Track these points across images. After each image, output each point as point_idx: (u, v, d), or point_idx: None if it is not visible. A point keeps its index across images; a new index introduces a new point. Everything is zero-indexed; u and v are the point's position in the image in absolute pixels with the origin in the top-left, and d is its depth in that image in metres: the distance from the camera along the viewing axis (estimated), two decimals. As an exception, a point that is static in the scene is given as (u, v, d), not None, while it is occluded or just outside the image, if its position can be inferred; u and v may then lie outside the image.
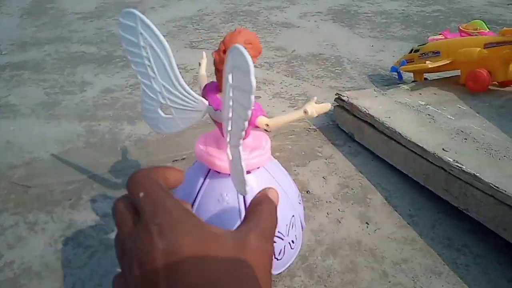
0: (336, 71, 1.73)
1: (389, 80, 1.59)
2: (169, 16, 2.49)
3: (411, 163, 1.00)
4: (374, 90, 1.29)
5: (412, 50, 1.45)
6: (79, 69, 1.72)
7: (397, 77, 1.52)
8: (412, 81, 1.42)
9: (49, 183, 1.03)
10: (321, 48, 1.97)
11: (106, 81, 1.61)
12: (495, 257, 0.83)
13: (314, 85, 1.59)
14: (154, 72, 0.59)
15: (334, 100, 1.28)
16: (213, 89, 0.64)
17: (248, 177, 0.55)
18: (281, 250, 0.71)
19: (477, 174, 0.82)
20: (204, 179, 0.69)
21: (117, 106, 1.42)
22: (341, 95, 1.24)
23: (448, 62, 1.25)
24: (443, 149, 0.93)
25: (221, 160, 0.64)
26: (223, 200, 0.67)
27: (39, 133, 1.26)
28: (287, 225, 0.71)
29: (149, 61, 0.58)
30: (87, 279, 0.77)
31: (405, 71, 1.41)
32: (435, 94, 1.26)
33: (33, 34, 2.15)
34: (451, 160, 0.88)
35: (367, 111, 1.13)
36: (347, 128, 1.24)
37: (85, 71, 1.70)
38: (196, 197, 0.69)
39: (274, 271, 0.74)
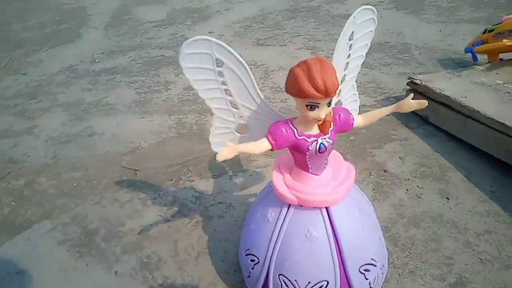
0: (404, 57, 1.74)
1: (460, 64, 1.58)
2: (234, 18, 2.62)
3: (491, 141, 1.01)
4: (448, 72, 1.31)
5: (486, 30, 1.43)
6: (161, 70, 1.91)
7: (471, 59, 1.50)
8: (487, 62, 1.40)
9: (152, 167, 1.19)
10: (386, 36, 1.99)
11: (186, 80, 1.78)
12: None
13: (382, 72, 1.62)
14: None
15: (407, 84, 1.31)
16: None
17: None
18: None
19: None
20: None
21: (200, 101, 1.56)
22: (413, 78, 1.27)
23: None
24: (525, 124, 0.94)
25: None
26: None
27: (137, 126, 1.44)
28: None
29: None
30: (196, 243, 0.91)
31: (480, 52, 1.40)
32: (511, 73, 1.24)
33: (117, 43, 2.40)
34: (535, 135, 0.89)
35: (442, 92, 1.15)
36: (421, 111, 1.27)
37: (167, 72, 1.88)
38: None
39: None
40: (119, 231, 0.97)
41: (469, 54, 1.50)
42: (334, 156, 0.69)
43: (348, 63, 0.66)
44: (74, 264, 0.90)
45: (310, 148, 0.60)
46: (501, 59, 1.42)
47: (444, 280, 0.77)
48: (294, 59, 1.87)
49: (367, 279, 0.67)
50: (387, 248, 0.79)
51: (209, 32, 2.39)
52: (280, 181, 0.65)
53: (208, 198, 1.04)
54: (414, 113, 1.30)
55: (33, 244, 0.96)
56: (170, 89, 1.71)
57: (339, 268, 0.64)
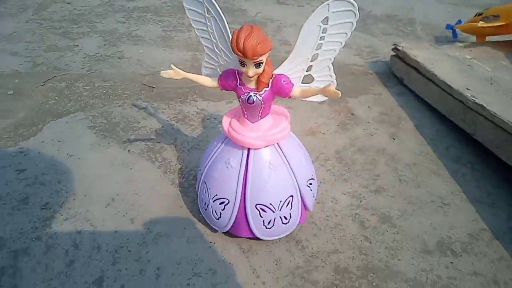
0: (406, 30, 1.91)
1: (452, 42, 1.75)
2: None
3: (441, 100, 1.23)
4: (430, 44, 1.50)
5: (476, 14, 1.59)
6: (185, 15, 2.14)
7: (452, 35, 1.66)
8: (473, 43, 1.57)
9: (166, 87, 1.46)
10: (398, 10, 2.14)
11: (208, 24, 2.02)
12: (490, 173, 1.06)
13: (381, 40, 1.81)
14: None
15: (392, 50, 1.51)
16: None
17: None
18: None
19: (484, 105, 1.04)
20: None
21: (216, 43, 1.81)
22: (397, 45, 1.47)
23: (501, 24, 1.40)
24: (467, 88, 1.15)
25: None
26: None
27: (159, 56, 1.70)
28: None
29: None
30: (190, 141, 1.18)
31: (459, 28, 1.57)
32: (484, 51, 1.42)
33: (154, -15, 2.63)
34: (469, 95, 1.10)
35: (415, 58, 1.36)
36: (399, 73, 1.48)
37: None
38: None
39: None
40: (134, 126, 1.26)
41: (465, 34, 1.66)
42: (279, 113, 0.81)
43: (321, 44, 0.72)
44: (99, 141, 1.19)
45: (242, 97, 0.73)
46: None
47: (366, 188, 1.02)
48: (305, 18, 2.07)
49: (311, 190, 0.86)
50: (333, 165, 1.05)
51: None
52: (233, 130, 0.78)
53: (206, 114, 1.31)
54: (393, 75, 1.51)
55: (70, 125, 1.26)
56: (191, 31, 1.95)
57: (240, 195, 0.79)
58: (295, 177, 0.81)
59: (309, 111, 1.32)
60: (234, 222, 0.84)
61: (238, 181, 0.79)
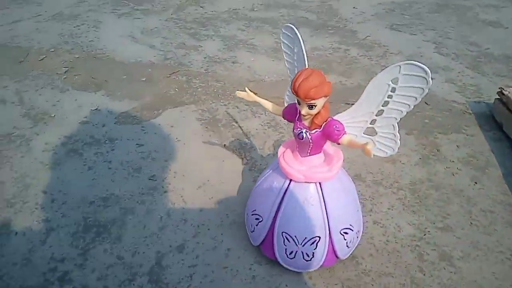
0: (520, 75, 1.80)
1: None
2: (383, 0, 2.82)
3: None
4: (541, 93, 1.42)
5: None
6: (300, 30, 2.30)
7: None
8: None
9: (266, 94, 1.63)
10: (517, 51, 2.02)
11: (315, 42, 2.15)
12: None
13: (490, 81, 1.75)
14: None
15: (497, 93, 1.47)
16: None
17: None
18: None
19: None
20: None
21: (321, 59, 1.93)
22: (503, 88, 1.42)
23: None
24: None
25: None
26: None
27: (267, 66, 1.89)
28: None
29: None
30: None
31: None
32: None
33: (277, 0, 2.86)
34: None
35: (519, 105, 1.31)
36: (499, 118, 1.43)
37: (304, 32, 2.27)
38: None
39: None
40: (233, 124, 1.46)
41: None
42: (332, 152, 0.86)
43: (388, 102, 0.75)
44: (202, 133, 1.41)
45: (295, 131, 0.80)
46: None
47: (433, 223, 1.05)
48: (416, 48, 2.07)
49: (345, 239, 0.88)
50: (405, 194, 1.10)
51: (353, 7, 2.67)
52: (283, 158, 0.85)
53: (296, 125, 1.45)
54: (493, 118, 1.47)
55: (183, 115, 1.51)
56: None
57: (327, 228, 0.85)
58: (328, 221, 0.84)
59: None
60: (264, 241, 0.91)
61: (274, 204, 0.86)
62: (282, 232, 0.86)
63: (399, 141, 0.79)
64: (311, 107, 0.72)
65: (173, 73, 1.83)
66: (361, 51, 2.03)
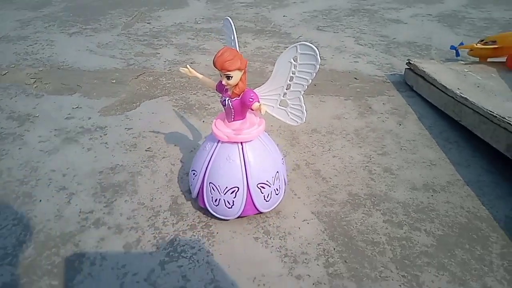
0: (422, 53, 2.31)
1: (458, 61, 2.12)
2: (306, 9, 3.30)
3: (438, 98, 1.61)
4: (436, 60, 1.89)
5: (480, 40, 1.97)
6: (243, 36, 2.64)
7: (455, 55, 2.03)
8: (476, 62, 1.93)
9: (229, 83, 1.92)
10: (417, 39, 2.55)
11: (256, 43, 2.50)
12: (470, 147, 1.41)
13: (399, 60, 2.21)
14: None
15: (406, 64, 1.91)
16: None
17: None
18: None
19: (468, 98, 1.41)
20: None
21: (265, 56, 2.28)
22: (410, 60, 1.87)
23: (495, 46, 1.77)
24: (458, 88, 1.53)
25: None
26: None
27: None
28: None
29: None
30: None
31: (460, 48, 1.95)
32: (481, 68, 1.80)
33: (214, 13, 3.19)
34: (458, 92, 1.48)
35: (423, 69, 1.75)
36: (410, 82, 1.87)
37: (246, 37, 2.61)
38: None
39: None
40: (206, 106, 1.71)
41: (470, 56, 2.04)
42: (255, 119, 1.02)
43: (293, 77, 0.91)
44: (182, 114, 1.65)
45: (220, 100, 0.97)
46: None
47: (375, 152, 1.40)
48: (340, 42, 2.51)
49: (262, 193, 1.03)
50: (352, 137, 1.44)
51: (283, 16, 3.09)
52: (214, 124, 1.02)
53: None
54: (406, 83, 1.90)
55: (159, 104, 1.74)
56: (246, 47, 2.44)
57: (245, 181, 1.00)
58: (246, 175, 1.00)
59: (338, 104, 1.73)
60: (198, 192, 1.06)
61: (205, 160, 1.01)
62: (209, 183, 1.02)
63: (305, 112, 0.95)
64: (228, 77, 0.87)
65: (140, 75, 2.04)
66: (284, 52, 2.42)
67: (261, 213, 1.08)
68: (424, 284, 0.92)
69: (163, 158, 1.37)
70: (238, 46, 1.01)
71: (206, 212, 1.09)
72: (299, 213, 1.13)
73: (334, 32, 2.70)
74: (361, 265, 0.97)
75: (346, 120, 1.61)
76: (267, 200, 1.05)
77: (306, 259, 0.98)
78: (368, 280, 0.93)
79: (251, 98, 0.91)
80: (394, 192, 1.21)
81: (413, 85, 1.83)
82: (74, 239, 1.04)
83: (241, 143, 1.00)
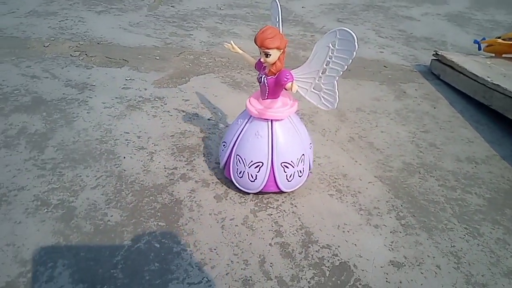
0: (440, 48, 2.48)
1: (478, 55, 2.30)
2: (322, 2, 3.43)
3: (468, 86, 1.77)
4: (460, 53, 2.05)
5: (497, 37, 2.15)
6: (268, 23, 2.75)
7: (477, 48, 2.20)
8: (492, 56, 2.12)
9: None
10: (433, 35, 2.72)
11: (285, 30, 2.61)
12: (500, 128, 1.58)
13: (421, 52, 2.38)
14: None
15: (432, 55, 2.07)
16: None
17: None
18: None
19: (499, 84, 1.58)
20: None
21: (295, 42, 2.39)
22: (437, 51, 2.03)
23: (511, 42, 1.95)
24: (488, 76, 1.69)
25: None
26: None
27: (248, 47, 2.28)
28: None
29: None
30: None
31: (483, 43, 2.13)
32: (501, 61, 1.97)
33: (234, 1, 3.28)
34: (489, 80, 1.64)
35: (451, 59, 1.91)
36: (436, 71, 2.03)
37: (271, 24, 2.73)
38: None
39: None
40: (252, 84, 1.82)
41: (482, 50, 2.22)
42: (289, 100, 1.04)
43: (329, 62, 0.92)
44: (232, 90, 1.75)
45: (257, 77, 1.00)
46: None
47: (417, 129, 1.55)
48: (362, 34, 2.66)
49: (285, 172, 1.06)
50: (394, 117, 1.58)
51: (302, 7, 3.21)
52: (249, 100, 1.06)
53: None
54: (432, 73, 2.06)
55: (208, 80, 1.83)
56: (275, 33, 2.55)
57: (270, 157, 1.03)
58: (271, 152, 1.03)
59: (374, 88, 1.87)
60: (225, 163, 1.10)
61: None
62: (237, 155, 1.07)
63: (337, 97, 0.97)
64: (267, 55, 0.90)
65: (180, 53, 2.12)
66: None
67: (282, 192, 1.11)
68: (484, 235, 1.07)
69: (226, 127, 1.48)
70: (282, 28, 1.03)
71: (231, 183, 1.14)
72: (363, 177, 1.26)
73: (354, 25, 2.84)
74: (428, 219, 1.10)
75: (385, 102, 1.75)
76: (289, 180, 1.07)
77: (379, 212, 1.12)
78: (437, 230, 1.07)
79: (286, 78, 0.92)
80: (442, 162, 1.36)
81: (440, 74, 1.99)
82: (167, 190, 1.13)
83: (271, 121, 1.02)
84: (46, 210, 1.03)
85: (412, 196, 1.19)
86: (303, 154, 1.07)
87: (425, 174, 1.29)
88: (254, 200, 1.12)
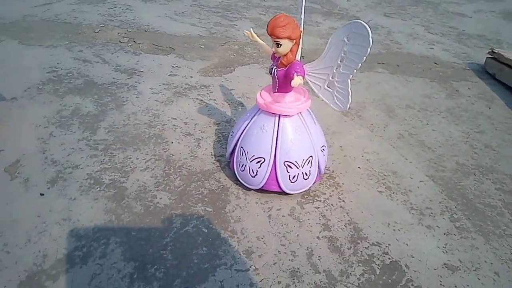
0: (492, 45, 2.35)
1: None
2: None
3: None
4: (518, 52, 1.93)
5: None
6: (313, 15, 2.71)
7: None
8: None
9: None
10: (486, 32, 2.58)
11: (330, 23, 2.56)
12: None
13: (473, 50, 2.26)
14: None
15: (487, 53, 1.96)
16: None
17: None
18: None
19: None
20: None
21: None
22: (493, 49, 1.92)
23: None
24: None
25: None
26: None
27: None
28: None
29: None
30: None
31: None
32: None
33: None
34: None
35: (509, 58, 1.80)
36: (492, 70, 1.92)
37: (317, 17, 2.68)
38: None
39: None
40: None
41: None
42: (301, 92, 1.00)
43: (343, 58, 0.87)
44: (277, 80, 1.73)
45: (270, 67, 0.96)
46: None
47: (472, 129, 1.47)
48: (411, 29, 2.56)
49: (288, 172, 0.99)
50: (446, 115, 1.51)
51: (347, 0, 3.14)
52: (260, 91, 1.03)
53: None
54: (486, 72, 1.96)
55: (252, 70, 1.82)
56: (319, 26, 2.50)
57: (273, 154, 0.98)
58: (275, 149, 0.97)
59: (424, 85, 1.80)
60: (230, 153, 1.06)
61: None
62: (241, 147, 1.02)
63: (350, 99, 0.91)
64: (278, 45, 0.86)
65: (225, 43, 2.12)
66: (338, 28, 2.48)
67: (285, 193, 1.04)
68: (547, 243, 1.00)
69: (241, 105, 1.46)
70: (304, 20, 0.98)
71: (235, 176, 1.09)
72: (414, 175, 1.21)
73: (402, 20, 2.74)
74: (484, 223, 1.05)
75: (436, 100, 1.68)
76: (292, 181, 1.00)
77: (431, 213, 1.07)
78: (494, 235, 1.01)
79: (295, 71, 0.86)
80: (499, 165, 1.28)
81: (496, 73, 1.89)
82: (214, 176, 1.14)
83: (279, 116, 0.97)
84: (98, 188, 1.06)
85: (467, 199, 1.13)
86: (311, 156, 1.00)
87: (480, 176, 1.22)
88: (302, 193, 1.10)
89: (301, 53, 0.95)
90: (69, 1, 2.62)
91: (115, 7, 2.59)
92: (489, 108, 1.64)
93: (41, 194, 1.02)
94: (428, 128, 1.46)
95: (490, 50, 1.95)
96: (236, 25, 2.42)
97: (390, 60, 2.02)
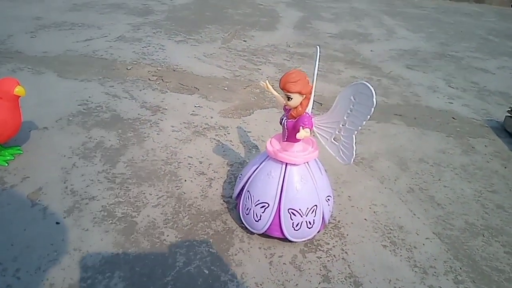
0: (516, 104, 2.34)
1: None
2: (392, 47, 3.42)
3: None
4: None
5: None
6: (336, 63, 2.79)
7: None
8: None
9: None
10: (509, 90, 2.59)
11: (352, 72, 2.63)
12: None
13: (494, 107, 2.26)
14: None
15: (507, 111, 1.96)
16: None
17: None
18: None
19: None
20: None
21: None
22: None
23: None
24: None
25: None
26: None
27: (318, 85, 2.32)
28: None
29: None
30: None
31: None
32: None
33: (304, 40, 3.39)
34: None
35: (527, 118, 1.80)
36: (510, 129, 1.92)
37: (339, 65, 2.76)
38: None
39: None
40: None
41: None
42: (309, 142, 1.05)
43: (350, 115, 0.91)
44: (293, 126, 1.79)
45: (281, 118, 1.01)
46: None
47: (484, 188, 1.46)
48: (431, 82, 2.60)
49: (291, 220, 1.02)
50: (459, 172, 1.51)
51: (371, 50, 3.23)
52: (271, 139, 1.07)
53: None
54: (505, 130, 1.95)
55: (271, 114, 1.89)
56: (340, 74, 2.58)
57: (277, 200, 1.01)
58: (280, 196, 1.01)
59: (440, 139, 1.81)
60: (238, 195, 1.10)
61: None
62: (247, 190, 1.06)
63: (354, 153, 0.93)
64: (288, 98, 0.92)
65: (247, 86, 2.22)
66: (390, 81, 2.53)
67: (288, 240, 1.06)
68: (555, 316, 0.96)
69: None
70: (317, 73, 1.01)
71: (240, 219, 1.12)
72: (421, 231, 1.21)
73: (424, 72, 2.79)
74: (490, 288, 1.03)
75: (451, 155, 1.68)
76: (295, 228, 1.03)
77: (435, 272, 1.06)
78: (499, 302, 0.99)
79: (303, 124, 0.92)
80: (510, 227, 1.26)
81: (515, 132, 1.88)
82: (222, 217, 1.17)
83: (286, 164, 1.01)
84: (111, 221, 1.12)
85: (473, 260, 1.11)
86: (316, 205, 1.03)
87: (489, 238, 1.21)
88: (305, 241, 1.11)
89: (312, 105, 1.00)
90: (108, 38, 2.82)
91: (149, 45, 2.77)
92: (505, 167, 1.62)
93: (57, 223, 1.08)
94: (439, 184, 1.46)
95: (510, 109, 1.95)
96: (260, 69, 2.53)
97: (407, 112, 2.05)
